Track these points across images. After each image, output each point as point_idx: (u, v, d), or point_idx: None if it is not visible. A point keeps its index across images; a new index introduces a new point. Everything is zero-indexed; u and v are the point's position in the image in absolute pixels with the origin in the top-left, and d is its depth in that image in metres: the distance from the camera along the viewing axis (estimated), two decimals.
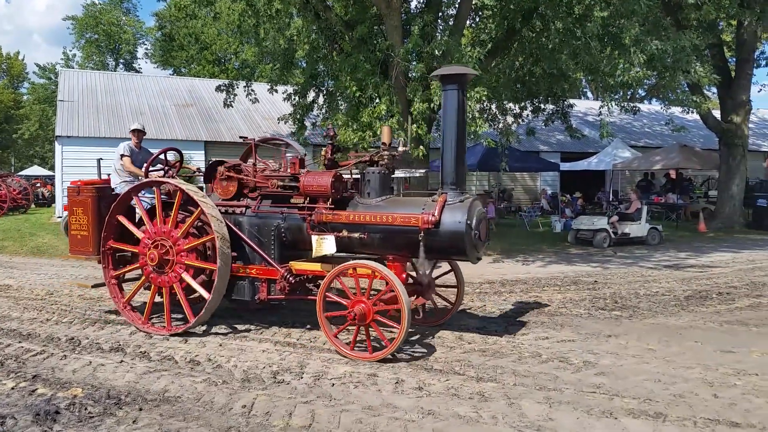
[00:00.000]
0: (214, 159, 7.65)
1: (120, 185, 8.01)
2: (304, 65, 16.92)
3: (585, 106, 31.30)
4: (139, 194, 7.16)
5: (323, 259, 6.39)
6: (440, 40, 12.21)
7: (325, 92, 16.29)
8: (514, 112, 16.23)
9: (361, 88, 12.32)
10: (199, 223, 6.77)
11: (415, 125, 11.65)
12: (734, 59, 22.00)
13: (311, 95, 16.68)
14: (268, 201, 6.76)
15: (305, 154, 7.18)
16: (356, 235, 6.11)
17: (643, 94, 39.18)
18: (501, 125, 15.31)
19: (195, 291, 6.55)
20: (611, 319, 7.61)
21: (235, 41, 23.57)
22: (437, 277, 7.19)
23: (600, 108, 14.17)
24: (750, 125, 23.49)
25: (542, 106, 16.12)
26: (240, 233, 6.64)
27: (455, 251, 6.09)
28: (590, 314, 7.85)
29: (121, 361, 5.73)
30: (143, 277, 6.80)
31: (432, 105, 11.51)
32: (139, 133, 8.60)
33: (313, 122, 18.88)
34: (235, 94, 18.03)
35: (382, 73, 12.69)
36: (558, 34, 11.96)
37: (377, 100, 12.07)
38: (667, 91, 14.08)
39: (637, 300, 8.78)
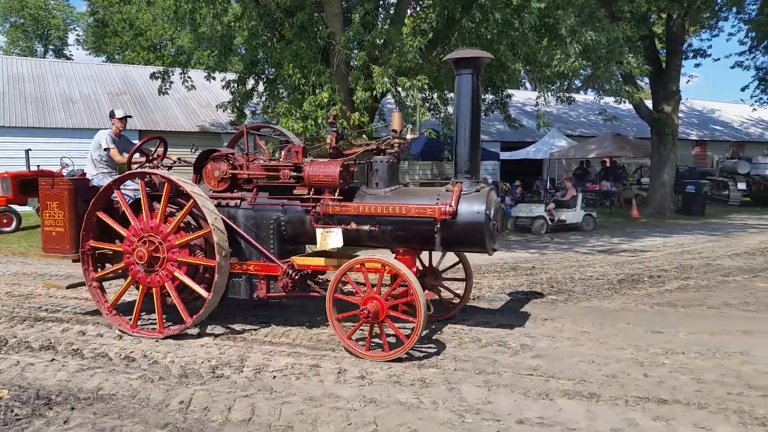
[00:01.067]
0: (199, 148, 7.12)
1: (97, 177, 7.37)
2: (243, 52, 16.57)
3: (524, 96, 31.91)
4: (121, 187, 6.62)
5: (324, 254, 6.18)
6: (381, 29, 12.18)
7: (265, 80, 16.02)
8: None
9: (304, 75, 12.16)
10: (188, 218, 6.37)
11: (357, 113, 11.62)
12: (665, 51, 22.86)
13: (251, 83, 16.37)
14: (265, 193, 6.38)
15: (303, 144, 6.75)
16: (366, 227, 5.81)
17: (579, 85, 40.32)
18: (443, 115, 15.43)
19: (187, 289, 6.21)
20: (548, 303, 7.83)
21: (171, 27, 22.75)
22: (443, 270, 7.12)
23: (537, 98, 14.47)
24: (680, 114, 24.56)
25: (482, 96, 16.33)
26: (235, 227, 6.23)
27: (472, 243, 5.86)
28: (528, 299, 8.05)
29: (52, 359, 5.50)
30: (129, 278, 6.33)
31: (374, 93, 11.48)
32: (123, 121, 7.81)
33: (252, 110, 18.55)
34: (171, 82, 17.50)
35: (323, 60, 12.56)
36: (497, 24, 12.13)
37: (320, 89, 11.94)
38: (602, 81, 14.48)
39: (572, 284, 9.05)
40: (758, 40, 26.35)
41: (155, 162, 6.99)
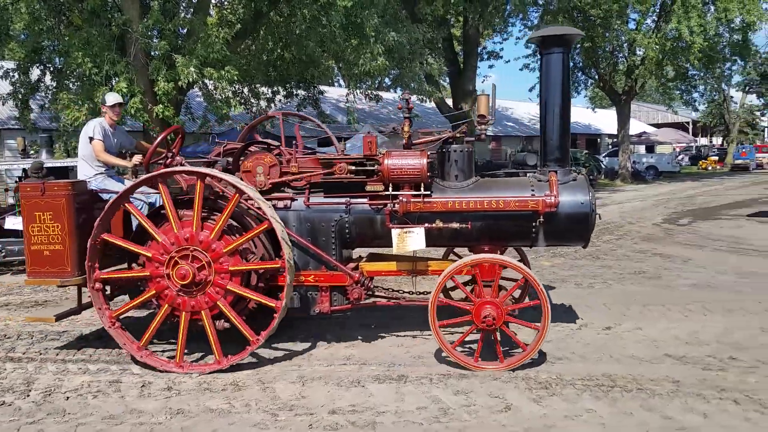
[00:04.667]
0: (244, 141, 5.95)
1: (96, 179, 5.88)
2: (25, 38, 14.73)
3: (338, 93, 32.47)
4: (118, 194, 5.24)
5: (395, 258, 5.54)
6: (183, 18, 11.58)
7: (52, 69, 14.40)
8: (267, 96, 16.18)
9: (96, 65, 11.11)
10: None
11: (160, 106, 10.93)
12: (463, 52, 24.72)
13: (36, 73, 14.62)
14: (318, 191, 5.45)
15: (346, 138, 5.79)
16: (455, 225, 5.15)
17: (389, 84, 42.14)
18: (255, 109, 15.16)
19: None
20: None
21: None
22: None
23: (347, 95, 14.79)
24: None
25: (294, 91, 16.34)
26: (289, 232, 5.24)
27: (575, 236, 5.45)
28: None
29: None
30: (164, 307, 5.06)
31: (179, 84, 10.87)
32: (119, 108, 6.26)
33: (41, 104, 16.59)
34: None
35: (119, 49, 11.62)
36: (305, 20, 12.16)
37: (116, 79, 11.02)
38: (408, 80, 15.26)
39: None
40: None
41: (179, 158, 5.61)
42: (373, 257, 5.83)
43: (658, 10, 25.58)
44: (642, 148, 38.71)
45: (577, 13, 25.27)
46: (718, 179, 31.40)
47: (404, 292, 6.04)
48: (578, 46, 27.88)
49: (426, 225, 5.12)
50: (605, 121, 44.72)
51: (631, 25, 26.56)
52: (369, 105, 29.20)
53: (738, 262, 9.18)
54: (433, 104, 22.32)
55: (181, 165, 5.47)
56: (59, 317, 5.50)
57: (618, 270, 8.90)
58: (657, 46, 23.50)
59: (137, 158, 5.97)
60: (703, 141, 59.26)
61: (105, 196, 5.60)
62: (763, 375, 4.70)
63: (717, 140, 59.56)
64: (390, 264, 5.50)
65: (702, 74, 33.87)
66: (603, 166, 32.34)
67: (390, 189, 5.19)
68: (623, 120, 30.48)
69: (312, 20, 12.12)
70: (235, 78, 11.08)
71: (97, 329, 6.34)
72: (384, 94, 26.27)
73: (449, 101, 23.27)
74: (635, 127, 43.98)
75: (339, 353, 5.46)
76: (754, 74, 43.68)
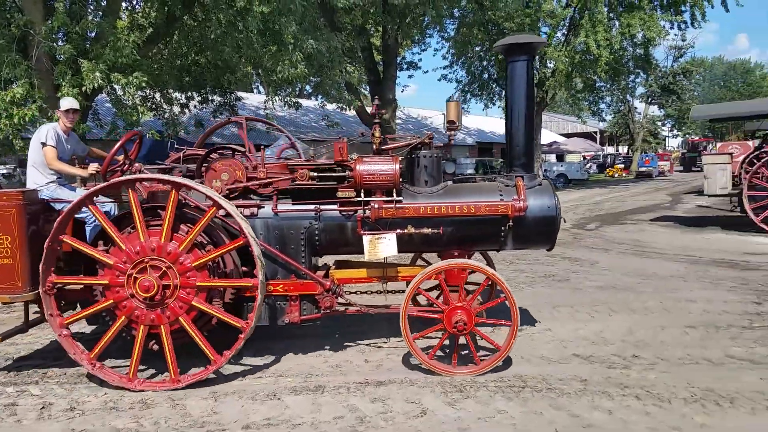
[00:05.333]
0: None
1: (48, 188, 5.49)
2: None
3: (258, 99, 31.98)
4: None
5: (364, 265, 5.50)
6: (92, 21, 11.06)
7: None
8: (181, 102, 15.70)
9: None
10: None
11: None
12: (383, 62, 24.99)
13: None
14: (286, 197, 5.31)
15: (266, 146, 5.62)
16: (427, 230, 5.12)
17: (310, 91, 41.95)
18: (167, 115, 14.66)
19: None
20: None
21: None
22: None
23: (265, 102, 14.59)
24: (398, 121, 27.07)
25: (210, 97, 15.94)
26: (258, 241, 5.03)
27: (542, 239, 5.55)
28: None
29: None
30: (121, 318, 4.80)
31: (84, 89, 10.35)
32: (73, 114, 5.81)
33: None
34: None
35: (20, 51, 10.93)
36: (220, 25, 11.91)
37: (15, 83, 10.36)
38: (329, 88, 15.23)
39: None
40: (457, 57, 30.45)
41: (138, 165, 5.39)
42: (340, 265, 5.81)
43: (567, 24, 26.85)
44: (553, 157, 40.51)
45: (491, 25, 26.12)
46: (624, 186, 33.22)
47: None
48: (493, 58, 28.86)
49: (398, 231, 5.11)
50: None
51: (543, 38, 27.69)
52: (289, 112, 28.99)
53: (641, 265, 9.72)
54: (354, 112, 22.40)
55: (140, 172, 5.25)
56: (5, 336, 5.21)
57: (530, 274, 9.21)
58: (566, 59, 24.62)
59: (93, 167, 5.65)
60: (610, 150, 62.60)
61: (57, 206, 5.32)
62: (661, 371, 4.98)
63: (623, 149, 63.09)
64: (360, 271, 5.47)
65: (608, 86, 35.92)
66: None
67: (362, 195, 5.16)
68: (535, 130, 31.70)
69: (228, 25, 11.88)
70: (144, 83, 10.66)
71: None
72: (305, 102, 26.18)
73: (370, 109, 23.46)
74: (546, 136, 45.95)
75: (255, 365, 5.34)
76: (655, 86, 46.70)
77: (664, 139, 66.84)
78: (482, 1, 23.43)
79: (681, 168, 48.42)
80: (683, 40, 40.66)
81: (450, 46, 29.76)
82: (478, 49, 29.56)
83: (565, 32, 27.52)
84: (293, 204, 5.29)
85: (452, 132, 5.51)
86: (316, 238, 5.31)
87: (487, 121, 48.27)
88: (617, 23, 25.35)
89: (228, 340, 4.92)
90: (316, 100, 35.00)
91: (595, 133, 58.03)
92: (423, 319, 5.11)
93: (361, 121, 23.49)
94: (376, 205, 5.11)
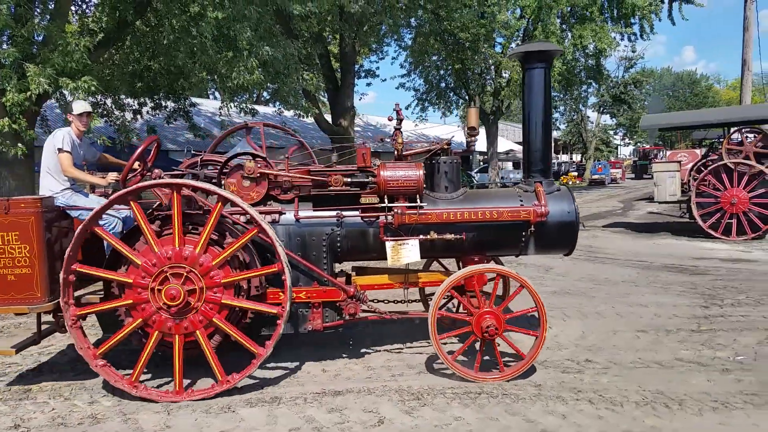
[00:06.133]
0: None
1: (64, 195, 5.26)
2: None
3: (214, 105, 31.53)
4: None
5: (386, 271, 5.53)
6: (38, 24, 10.71)
7: None
8: (133, 108, 15.33)
9: None
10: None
11: (6, 119, 9.99)
12: (341, 69, 24.98)
13: None
14: (307, 203, 5.21)
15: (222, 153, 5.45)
16: (450, 236, 5.10)
17: (268, 98, 41.62)
18: (119, 121, 14.30)
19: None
20: None
21: None
22: None
23: (219, 108, 14.38)
24: (357, 128, 27.09)
25: (163, 103, 15.61)
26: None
27: (562, 243, 5.56)
28: None
29: None
30: (137, 320, 4.66)
31: (30, 95, 9.99)
32: (87, 117, 5.56)
33: None
34: None
35: None
36: (173, 30, 11.69)
37: None
38: (286, 95, 15.08)
39: None
40: (414, 66, 30.73)
41: (157, 171, 5.15)
42: (358, 271, 5.78)
43: (521, 35, 27.39)
44: (509, 165, 41.15)
45: (447, 35, 26.45)
46: (577, 193, 33.98)
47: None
48: (449, 67, 29.22)
49: (421, 237, 5.12)
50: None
51: (498, 49, 28.22)
52: (247, 119, 28.68)
53: (593, 270, 9.94)
54: (312, 120, 22.30)
55: (160, 177, 5.09)
56: (19, 348, 5.02)
57: None
58: (521, 69, 25.09)
59: (113, 176, 5.51)
60: (564, 158, 64.02)
61: (73, 213, 5.18)
62: (613, 375, 5.09)
63: (576, 157, 64.65)
64: (382, 277, 5.47)
65: (561, 96, 36.78)
66: (475, 181, 34.06)
67: (386, 201, 5.13)
68: (492, 138, 32.20)
69: (181, 31, 11.65)
70: (94, 88, 10.36)
71: None
72: (262, 108, 25.90)
73: (328, 117, 23.38)
74: (503, 145, 46.64)
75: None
76: (607, 96, 48.02)
77: (616, 148, 68.78)
78: (438, 11, 23.69)
79: (633, 176, 49.89)
80: (633, 51, 42.14)
81: (407, 55, 30.02)
82: (435, 58, 29.90)
83: (519, 43, 28.06)
84: (315, 210, 5.23)
85: (473, 138, 5.51)
86: (338, 244, 5.28)
87: (446, 129, 48.70)
88: (570, 34, 26.01)
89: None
90: (274, 106, 34.82)
91: None
92: (441, 324, 5.13)
93: (320, 128, 23.40)
94: (400, 211, 5.09)
